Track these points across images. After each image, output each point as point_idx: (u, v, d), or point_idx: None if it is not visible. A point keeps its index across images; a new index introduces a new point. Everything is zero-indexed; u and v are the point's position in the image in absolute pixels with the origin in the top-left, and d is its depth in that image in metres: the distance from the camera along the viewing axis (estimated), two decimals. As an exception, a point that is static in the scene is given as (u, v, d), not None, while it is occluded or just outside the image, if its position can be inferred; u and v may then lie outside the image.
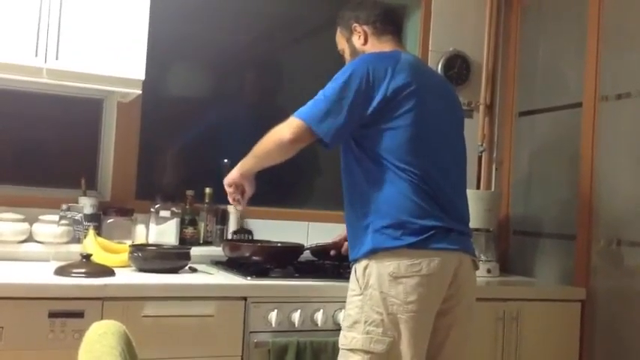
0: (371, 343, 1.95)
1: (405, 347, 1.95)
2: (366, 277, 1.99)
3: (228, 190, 2.26)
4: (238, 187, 2.25)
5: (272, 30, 3.25)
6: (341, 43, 2.31)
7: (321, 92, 2.06)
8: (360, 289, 2.00)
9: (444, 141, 2.12)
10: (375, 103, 2.00)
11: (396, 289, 1.95)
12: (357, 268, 2.03)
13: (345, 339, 2.01)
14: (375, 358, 1.95)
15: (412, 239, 1.97)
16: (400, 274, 1.95)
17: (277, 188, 3.08)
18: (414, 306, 1.95)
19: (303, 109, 2.05)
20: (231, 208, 2.84)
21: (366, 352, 1.95)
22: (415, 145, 2.02)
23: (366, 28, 2.23)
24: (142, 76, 2.43)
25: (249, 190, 2.26)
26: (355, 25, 2.24)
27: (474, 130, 3.24)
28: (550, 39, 3.14)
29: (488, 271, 2.92)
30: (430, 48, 3.27)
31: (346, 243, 2.47)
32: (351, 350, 1.98)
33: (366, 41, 2.23)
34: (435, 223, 2.00)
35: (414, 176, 2.00)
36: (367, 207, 2.03)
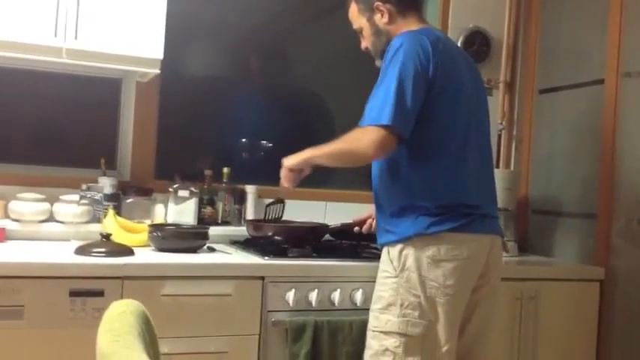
0: (408, 326, 1.95)
1: (440, 329, 1.96)
2: (402, 259, 1.98)
3: (291, 173, 2.19)
4: (299, 174, 2.20)
5: (288, 9, 3.23)
6: (359, 21, 2.22)
7: (382, 89, 1.95)
8: (396, 271, 1.99)
9: (475, 121, 2.10)
10: (429, 83, 1.96)
11: (435, 272, 1.95)
12: (391, 250, 2.02)
13: (377, 321, 2.00)
14: (410, 340, 1.95)
15: (452, 224, 1.96)
16: (440, 257, 1.95)
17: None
18: (451, 289, 1.96)
19: (375, 114, 1.92)
20: (248, 188, 2.85)
21: (402, 334, 1.95)
22: (454, 127, 2.00)
23: (389, 6, 2.15)
24: (161, 56, 2.43)
25: (306, 173, 2.23)
26: (378, 3, 2.15)
27: (494, 108, 3.19)
28: (572, 15, 3.09)
29: (507, 250, 2.90)
30: (450, 24, 3.22)
31: (369, 221, 2.47)
32: (385, 333, 1.97)
33: (390, 20, 2.15)
34: (474, 206, 2.00)
35: (453, 159, 1.99)
36: (405, 190, 2.01)
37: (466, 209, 1.99)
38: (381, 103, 1.93)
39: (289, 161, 2.19)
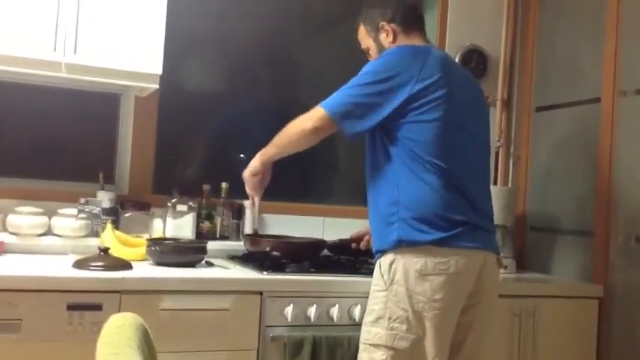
0: (395, 339, 1.95)
1: (429, 345, 1.95)
2: (391, 273, 1.98)
3: (252, 180, 2.28)
4: (261, 179, 2.28)
5: (287, 23, 3.25)
6: (366, 41, 2.28)
7: (348, 84, 2.05)
8: (385, 284, 1.99)
9: (471, 137, 2.12)
10: (403, 97, 1.99)
11: (423, 286, 1.95)
12: (382, 263, 2.02)
13: (368, 334, 2.01)
14: (398, 354, 1.95)
15: (440, 235, 1.96)
16: (427, 271, 1.95)
17: (293, 183, 3.08)
18: (439, 304, 1.95)
19: (328, 100, 2.05)
20: (247, 203, 2.85)
21: (390, 348, 1.95)
22: (444, 140, 2.01)
23: (394, 26, 2.20)
24: (160, 71, 2.44)
25: (267, 180, 2.30)
26: (383, 23, 2.21)
27: (491, 125, 3.20)
28: (568, 33, 3.12)
29: (505, 267, 2.90)
30: (447, 42, 3.25)
31: (366, 237, 2.48)
32: (375, 345, 1.98)
33: (395, 39, 2.20)
34: (463, 219, 2.00)
35: (443, 171, 1.99)
36: (394, 199, 2.02)
37: (454, 220, 1.98)
38: (337, 94, 2.05)
39: (246, 170, 2.28)
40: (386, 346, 1.95)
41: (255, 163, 2.26)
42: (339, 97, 2.05)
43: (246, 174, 2.29)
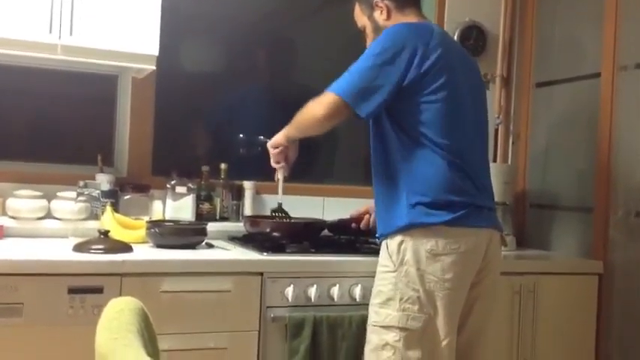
0: (407, 320, 1.96)
1: (440, 323, 1.97)
2: (401, 254, 1.98)
3: (274, 151, 2.28)
4: (282, 152, 2.27)
5: (285, 4, 3.22)
6: (361, 20, 2.27)
7: (355, 65, 2.02)
8: (394, 265, 1.99)
9: (471, 116, 2.11)
10: (411, 75, 1.98)
11: (434, 266, 1.95)
12: (390, 244, 2.02)
13: (377, 315, 2.01)
14: (410, 334, 1.96)
15: (449, 216, 1.96)
16: (438, 251, 1.96)
17: (292, 164, 3.07)
18: (450, 283, 1.96)
19: (337, 84, 2.02)
20: (246, 184, 2.84)
21: (402, 329, 1.96)
22: (449, 121, 2.01)
23: (388, 2, 2.18)
24: (156, 52, 2.42)
25: (292, 155, 2.30)
26: (377, 0, 2.19)
27: (491, 102, 3.18)
28: (567, 8, 3.09)
29: (506, 244, 2.90)
30: (446, 18, 3.22)
31: (366, 217, 2.48)
32: (386, 327, 1.98)
33: (389, 16, 2.18)
34: (469, 200, 2.00)
35: (449, 152, 1.99)
36: (401, 181, 2.02)
37: (461, 202, 1.99)
38: (346, 75, 2.02)
39: (270, 142, 2.28)
40: (398, 327, 1.96)
41: (278, 136, 2.26)
42: (348, 79, 2.01)
43: (269, 145, 2.29)
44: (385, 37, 2.04)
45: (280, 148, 2.27)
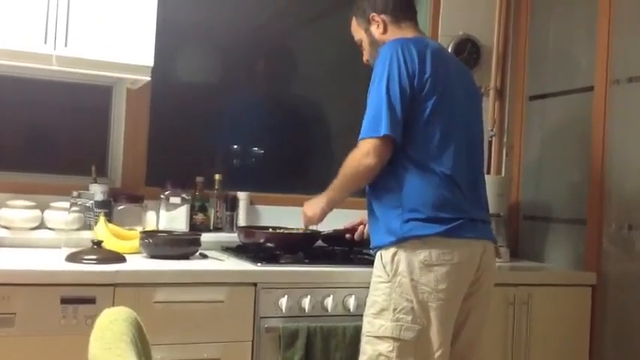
0: (401, 330, 1.96)
1: (434, 334, 1.97)
2: (394, 264, 1.99)
3: (313, 223, 2.27)
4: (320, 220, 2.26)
5: (280, 14, 3.24)
6: (358, 33, 2.28)
7: (370, 103, 2.03)
8: (388, 275, 2.00)
9: (467, 130, 2.12)
10: (412, 89, 2.00)
11: (427, 276, 1.96)
12: (384, 254, 2.02)
13: (371, 326, 2.01)
14: (404, 345, 1.96)
15: (442, 228, 1.97)
16: (432, 262, 1.96)
17: (286, 174, 3.07)
18: (443, 294, 1.97)
19: (369, 127, 2.00)
20: (240, 195, 2.84)
21: (396, 339, 1.96)
22: (443, 136, 2.02)
23: (384, 17, 2.20)
24: (151, 63, 2.43)
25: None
26: (373, 14, 2.21)
27: (485, 115, 3.21)
28: (561, 22, 3.11)
29: (500, 256, 2.91)
30: (440, 32, 3.24)
31: (360, 228, 2.48)
32: (379, 337, 1.98)
33: (385, 30, 2.20)
34: (463, 212, 2.01)
35: (443, 168, 2.01)
36: (394, 196, 2.02)
37: (454, 213, 2.00)
38: (374, 114, 2.00)
39: (312, 213, 2.24)
40: (392, 338, 1.96)
41: (320, 211, 2.22)
42: (375, 117, 2.00)
43: (310, 218, 2.26)
44: (383, 60, 2.04)
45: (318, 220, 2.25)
